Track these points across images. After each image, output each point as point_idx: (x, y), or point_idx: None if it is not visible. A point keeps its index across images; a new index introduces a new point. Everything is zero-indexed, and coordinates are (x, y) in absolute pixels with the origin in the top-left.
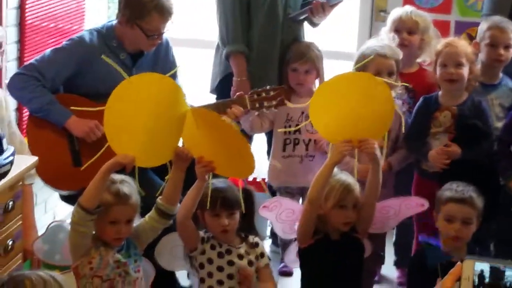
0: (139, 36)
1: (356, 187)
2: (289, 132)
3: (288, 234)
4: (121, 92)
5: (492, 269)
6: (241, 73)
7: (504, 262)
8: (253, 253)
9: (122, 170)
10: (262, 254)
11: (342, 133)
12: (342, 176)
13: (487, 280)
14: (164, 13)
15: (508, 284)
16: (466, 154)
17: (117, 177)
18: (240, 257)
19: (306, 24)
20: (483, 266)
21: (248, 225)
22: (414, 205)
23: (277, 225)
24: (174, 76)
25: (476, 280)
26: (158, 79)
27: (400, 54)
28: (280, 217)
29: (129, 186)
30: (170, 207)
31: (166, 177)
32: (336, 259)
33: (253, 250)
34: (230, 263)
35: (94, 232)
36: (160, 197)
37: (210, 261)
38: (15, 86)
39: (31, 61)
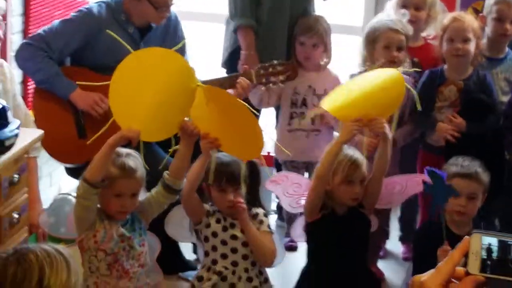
0: (147, 9)
1: (364, 162)
2: (296, 105)
3: (295, 208)
4: (126, 66)
5: (500, 243)
6: (249, 47)
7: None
8: (255, 224)
9: (127, 144)
10: (260, 221)
11: (352, 112)
12: (350, 151)
13: (494, 254)
14: None
15: None
16: (471, 128)
17: (122, 150)
18: (243, 230)
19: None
20: (491, 240)
21: (253, 198)
22: (420, 182)
23: (284, 199)
24: (182, 51)
25: (484, 254)
26: (165, 54)
27: (411, 30)
28: (287, 191)
29: (134, 160)
30: (177, 181)
31: (170, 150)
32: (342, 234)
33: (254, 221)
34: (234, 237)
35: (98, 206)
36: (166, 171)
37: (214, 234)
38: (22, 56)
39: (39, 31)
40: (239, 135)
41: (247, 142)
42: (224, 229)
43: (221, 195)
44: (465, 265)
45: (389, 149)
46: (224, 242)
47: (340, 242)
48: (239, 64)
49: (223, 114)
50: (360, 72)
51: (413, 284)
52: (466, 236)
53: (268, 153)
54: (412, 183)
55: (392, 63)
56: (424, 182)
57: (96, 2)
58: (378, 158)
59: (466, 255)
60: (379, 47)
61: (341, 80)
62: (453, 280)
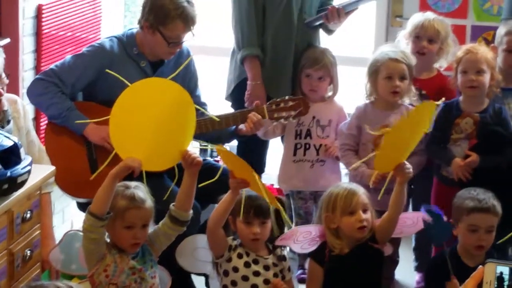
0: (159, 43)
1: (360, 190)
2: (300, 136)
3: (307, 249)
4: (124, 99)
5: None
6: (255, 77)
7: None
8: (280, 265)
9: (130, 176)
10: (289, 268)
11: (392, 163)
12: (344, 184)
13: (506, 282)
14: (188, 21)
15: None
16: (487, 162)
17: (131, 183)
18: (267, 268)
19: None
20: (503, 269)
21: (279, 235)
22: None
23: (295, 246)
24: (195, 86)
25: (495, 282)
26: (161, 84)
27: (413, 60)
28: (297, 239)
29: (143, 191)
30: (183, 213)
31: (174, 181)
32: (356, 271)
33: (280, 263)
34: (256, 273)
35: (109, 240)
36: (173, 204)
37: (235, 269)
38: (35, 92)
39: (51, 66)
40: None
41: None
42: (247, 264)
43: (247, 227)
44: None
45: (405, 191)
46: (245, 278)
47: (351, 279)
48: (245, 95)
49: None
50: (366, 104)
51: None
52: (480, 266)
53: (272, 185)
54: (424, 219)
55: (395, 93)
56: (424, 221)
57: (108, 37)
58: (394, 199)
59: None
60: (380, 77)
61: (346, 111)
62: None
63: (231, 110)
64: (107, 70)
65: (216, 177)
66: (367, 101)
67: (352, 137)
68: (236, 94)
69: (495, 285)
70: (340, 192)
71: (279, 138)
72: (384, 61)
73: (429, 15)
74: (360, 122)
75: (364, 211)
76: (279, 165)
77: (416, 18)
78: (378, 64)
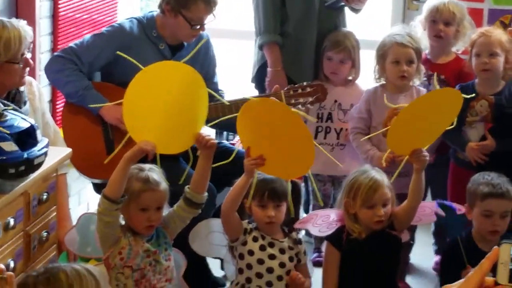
0: (182, 25)
1: (384, 183)
2: (321, 120)
3: (325, 232)
4: (137, 82)
5: None
6: (275, 64)
7: None
8: (296, 249)
9: (145, 159)
10: (304, 252)
11: (408, 146)
12: (371, 172)
13: None
14: (210, 3)
15: None
16: (502, 146)
17: (145, 165)
18: (282, 251)
19: (348, 12)
20: None
21: (294, 218)
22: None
23: (313, 229)
24: (213, 73)
25: (511, 263)
26: (174, 66)
27: (421, 43)
28: (316, 222)
29: (158, 173)
30: (198, 195)
31: (189, 164)
32: (373, 257)
33: (296, 246)
34: (272, 256)
35: (124, 222)
36: (188, 186)
37: (250, 252)
38: (52, 69)
39: (70, 44)
40: (288, 150)
41: (296, 158)
42: (262, 248)
43: (262, 211)
44: (494, 275)
45: (423, 179)
46: (260, 261)
47: (368, 265)
48: (266, 81)
49: (271, 128)
50: (376, 87)
51: None
52: (495, 246)
53: None
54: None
55: (403, 77)
56: (437, 214)
57: (128, 18)
58: (413, 187)
59: (495, 265)
60: (388, 62)
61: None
62: None
63: (256, 92)
64: (118, 52)
65: (231, 159)
66: (377, 84)
67: (362, 120)
68: (259, 77)
69: (511, 266)
70: (364, 183)
71: None
72: (391, 46)
73: None
74: (370, 106)
75: (384, 205)
76: None
77: (431, 2)
78: (386, 48)
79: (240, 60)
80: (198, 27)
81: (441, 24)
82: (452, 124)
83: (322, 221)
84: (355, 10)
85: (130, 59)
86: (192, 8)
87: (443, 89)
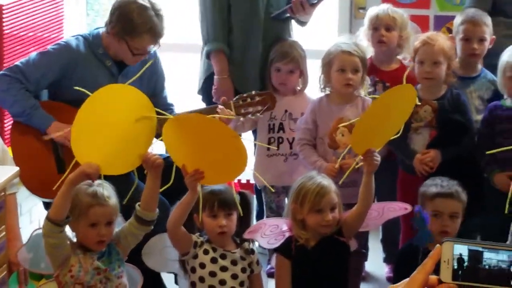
0: (124, 51)
1: (332, 188)
2: (273, 130)
3: (273, 244)
4: (85, 109)
5: (471, 252)
6: (222, 72)
7: (482, 243)
8: (248, 259)
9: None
10: (257, 262)
11: (369, 144)
12: (318, 178)
13: (466, 263)
14: (156, 35)
15: (486, 267)
16: (447, 154)
17: (95, 182)
18: (234, 262)
19: (294, 23)
20: (462, 250)
21: (245, 229)
22: (397, 208)
23: (262, 240)
24: (162, 88)
25: (456, 264)
26: (120, 89)
27: (367, 53)
28: (264, 233)
29: (107, 189)
30: (148, 213)
31: (136, 179)
32: (322, 264)
33: (248, 256)
34: (224, 268)
35: (75, 240)
36: (138, 203)
37: (202, 265)
38: None
39: (16, 63)
40: (221, 155)
41: (231, 159)
42: (214, 260)
43: (213, 220)
44: (438, 273)
45: (373, 184)
46: (212, 274)
47: (318, 273)
48: (213, 89)
49: (198, 140)
50: (321, 98)
51: None
52: (437, 245)
53: (248, 180)
54: (389, 210)
55: (348, 85)
56: (413, 216)
57: (74, 36)
58: (363, 191)
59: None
60: (333, 70)
61: None
62: None
63: (203, 104)
64: (76, 88)
65: (171, 181)
66: (322, 95)
67: (308, 131)
68: (206, 88)
69: (455, 267)
70: (312, 189)
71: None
72: (337, 54)
73: (384, 5)
74: (316, 116)
75: (332, 209)
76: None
77: (372, 11)
78: (331, 56)
79: (187, 73)
80: (141, 54)
81: (382, 29)
82: (398, 133)
83: (270, 231)
84: (302, 23)
85: (84, 90)
86: (137, 40)
87: (400, 86)
